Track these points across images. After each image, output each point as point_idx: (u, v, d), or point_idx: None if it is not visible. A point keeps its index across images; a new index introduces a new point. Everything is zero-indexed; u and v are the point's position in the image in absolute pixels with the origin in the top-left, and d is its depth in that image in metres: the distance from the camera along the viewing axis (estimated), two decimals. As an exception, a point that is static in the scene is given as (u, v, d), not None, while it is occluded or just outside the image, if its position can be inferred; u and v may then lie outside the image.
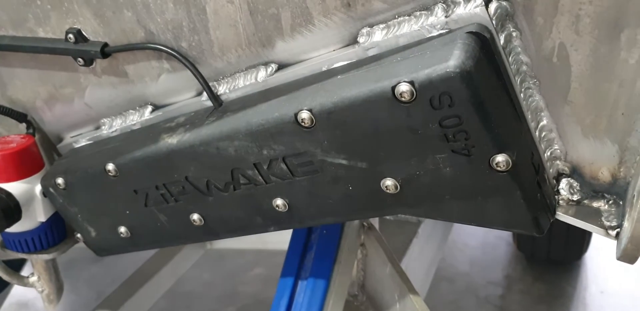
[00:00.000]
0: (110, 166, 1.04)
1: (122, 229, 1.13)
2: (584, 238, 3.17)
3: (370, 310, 1.34)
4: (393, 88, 0.73)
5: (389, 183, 0.82)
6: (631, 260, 0.75)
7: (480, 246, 3.84)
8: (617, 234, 0.79)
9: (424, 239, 1.79)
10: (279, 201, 0.93)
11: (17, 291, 2.86)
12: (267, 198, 0.94)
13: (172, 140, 0.96)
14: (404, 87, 0.72)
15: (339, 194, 0.88)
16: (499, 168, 0.74)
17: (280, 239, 1.70)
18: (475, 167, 0.76)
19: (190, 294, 3.32)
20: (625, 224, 0.76)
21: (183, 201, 1.02)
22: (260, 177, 0.92)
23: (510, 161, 0.74)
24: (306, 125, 0.82)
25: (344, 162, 0.84)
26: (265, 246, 3.38)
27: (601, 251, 3.56)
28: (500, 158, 0.74)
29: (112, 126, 1.14)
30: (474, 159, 0.75)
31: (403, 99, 0.73)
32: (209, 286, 3.42)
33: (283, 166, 0.88)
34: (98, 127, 1.19)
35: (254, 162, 0.90)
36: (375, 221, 1.35)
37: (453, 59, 0.70)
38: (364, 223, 1.31)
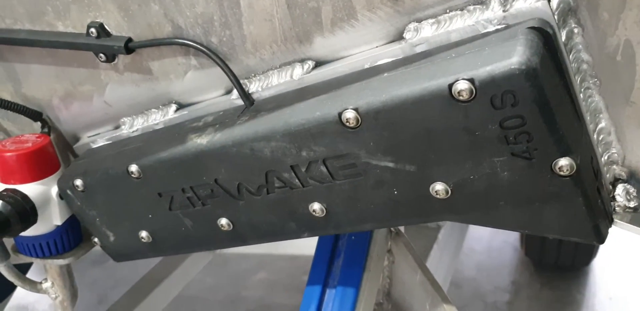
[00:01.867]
0: (134, 168, 0.98)
1: (144, 234, 1.08)
2: (592, 247, 3.13)
3: (396, 319, 1.29)
4: (450, 86, 0.68)
5: (439, 187, 0.77)
6: None
7: (486, 251, 3.80)
8: None
9: (443, 244, 1.74)
10: (316, 206, 0.88)
11: (18, 295, 2.79)
12: (304, 202, 0.89)
13: (201, 140, 0.91)
14: (462, 85, 0.67)
15: (382, 199, 0.83)
16: (562, 173, 0.70)
17: (287, 243, 1.65)
18: (536, 171, 0.71)
19: (194, 299, 3.27)
20: None
21: (211, 205, 0.97)
22: (297, 180, 0.86)
23: (574, 164, 0.69)
24: (351, 125, 0.77)
25: (390, 165, 0.79)
26: (271, 251, 3.33)
27: (610, 256, 3.52)
28: (563, 162, 0.69)
29: (133, 126, 1.09)
30: (535, 163, 0.70)
31: (461, 97, 0.68)
32: (213, 291, 3.36)
33: (323, 168, 0.83)
34: (117, 127, 1.14)
35: (291, 164, 0.85)
36: (400, 227, 1.30)
37: (517, 56, 0.65)
38: (392, 229, 1.26)
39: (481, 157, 0.73)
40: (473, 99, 0.68)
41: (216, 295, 3.34)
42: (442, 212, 0.81)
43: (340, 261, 1.15)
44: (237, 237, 1.00)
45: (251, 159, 0.87)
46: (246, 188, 0.91)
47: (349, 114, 0.76)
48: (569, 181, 0.70)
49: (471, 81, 0.67)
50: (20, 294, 2.91)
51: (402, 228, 1.28)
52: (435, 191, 0.78)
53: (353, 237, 1.17)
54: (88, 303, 3.31)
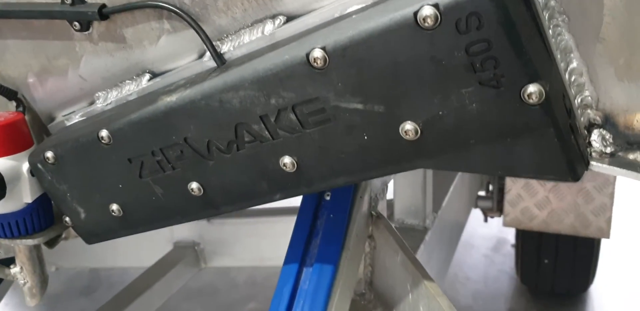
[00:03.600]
0: (104, 133, 0.97)
1: (114, 207, 1.05)
2: (589, 268, 3.09)
3: (379, 309, 1.25)
4: (415, 14, 0.68)
5: (408, 127, 0.75)
6: None
7: (482, 280, 3.74)
8: None
9: (431, 246, 1.71)
10: (286, 160, 0.86)
11: None
12: (274, 156, 0.87)
13: (171, 98, 0.89)
14: (427, 11, 0.67)
15: (353, 147, 0.81)
16: (531, 100, 0.68)
17: (277, 255, 1.62)
18: (504, 100, 0.69)
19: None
20: None
21: (181, 169, 0.95)
22: (266, 132, 0.85)
23: (543, 91, 0.67)
24: (319, 65, 0.76)
25: (359, 106, 0.77)
26: (262, 281, 3.27)
27: (608, 282, 3.46)
28: (532, 88, 0.68)
29: (107, 99, 1.07)
30: (503, 91, 0.69)
31: (426, 24, 0.68)
32: (204, 322, 3.29)
33: (292, 116, 0.81)
34: (92, 103, 1.12)
35: (260, 114, 0.83)
36: (383, 213, 1.27)
37: None
38: (373, 212, 1.23)
39: (449, 89, 0.71)
40: (438, 26, 0.67)
41: (206, 324, 3.27)
42: (414, 156, 0.79)
43: (318, 240, 1.12)
44: (208, 203, 0.97)
45: (220, 112, 0.86)
46: (216, 145, 0.89)
47: (317, 53, 0.75)
48: (539, 110, 0.69)
49: (435, 6, 0.67)
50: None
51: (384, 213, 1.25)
52: (405, 131, 0.76)
53: (331, 215, 1.14)
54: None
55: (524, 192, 2.85)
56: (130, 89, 1.05)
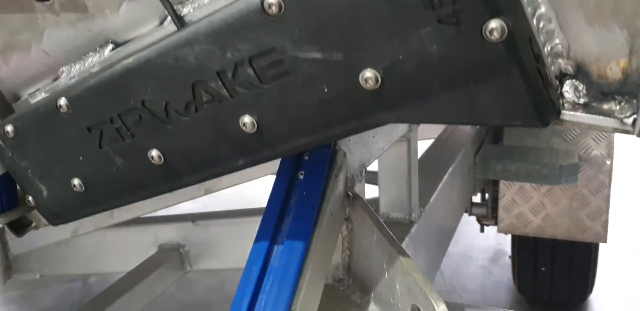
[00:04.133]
0: (62, 101, 0.94)
1: (76, 181, 1.01)
2: (588, 275, 3.02)
3: (357, 293, 1.20)
4: (369, -51, 0.65)
5: (368, 74, 0.72)
6: None
7: (479, 291, 3.67)
8: (634, 120, 0.69)
9: (418, 241, 1.66)
10: (246, 119, 0.82)
11: None
12: (233, 116, 0.83)
13: (127, 60, 0.86)
14: (380, -55, 0.64)
15: (313, 101, 0.78)
16: (492, 37, 0.65)
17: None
18: (465, 38, 0.66)
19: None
20: None
21: (140, 136, 0.91)
22: (224, 89, 0.81)
23: (505, 27, 0.64)
24: (274, 12, 0.73)
25: (317, 55, 0.74)
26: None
27: (608, 290, 3.39)
28: (494, 24, 0.64)
29: (71, 73, 1.04)
30: (464, 29, 0.65)
31: (381, -42, 0.64)
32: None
33: (250, 70, 0.78)
34: (56, 79, 1.09)
35: (217, 70, 0.80)
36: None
37: None
38: (349, 193, 1.19)
39: (407, 30, 0.68)
40: None
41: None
42: (376, 108, 0.75)
43: (290, 218, 1.07)
44: (170, 173, 0.93)
45: (176, 70, 0.82)
46: (174, 108, 0.86)
47: (271, -1, 0.72)
48: (502, 47, 0.65)
49: None
50: None
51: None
52: (365, 79, 0.72)
53: (304, 193, 1.10)
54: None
55: (518, 197, 2.80)
56: (93, 61, 1.01)
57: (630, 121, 0.69)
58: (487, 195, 3.15)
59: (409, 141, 1.62)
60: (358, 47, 0.71)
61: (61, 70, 1.06)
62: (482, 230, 3.52)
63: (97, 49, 1.02)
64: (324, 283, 1.17)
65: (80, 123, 0.95)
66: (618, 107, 0.73)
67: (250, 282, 1.02)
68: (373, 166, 1.68)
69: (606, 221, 2.68)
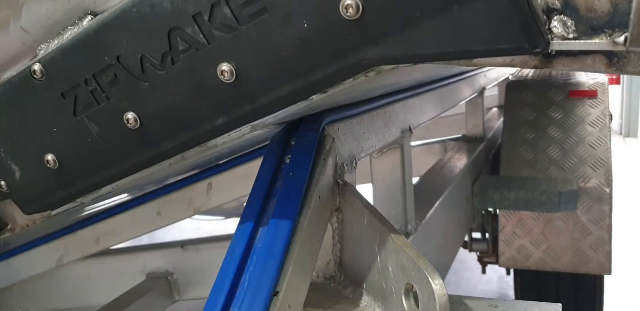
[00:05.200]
0: (36, 66, 0.91)
1: (49, 157, 0.97)
2: (594, 305, 2.92)
3: (350, 288, 1.13)
4: None
5: (349, 1, 0.69)
6: None
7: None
8: (626, 38, 0.65)
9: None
10: (224, 66, 0.79)
11: None
12: (211, 65, 0.79)
13: (103, 14, 0.84)
14: None
15: (293, 40, 0.74)
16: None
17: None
18: None
19: None
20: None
21: (115, 98, 0.87)
22: (201, 35, 0.78)
23: None
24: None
25: None
26: None
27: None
28: None
29: (48, 49, 1.01)
30: None
31: None
32: None
33: (227, 10, 0.75)
34: (34, 58, 1.06)
35: (193, 13, 0.77)
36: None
37: None
38: (339, 181, 1.14)
39: None
40: None
41: None
42: (358, 42, 0.72)
43: (276, 200, 1.02)
44: (147, 138, 0.89)
45: (152, 17, 0.79)
46: (150, 61, 0.82)
47: None
48: None
49: None
50: None
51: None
52: (346, 7, 0.69)
53: (291, 173, 1.05)
54: None
55: (518, 229, 2.74)
56: (72, 34, 0.99)
57: (621, 39, 0.66)
58: (487, 231, 3.09)
59: (402, 149, 1.58)
60: None
61: (39, 48, 1.03)
62: (483, 271, 3.43)
63: (76, 21, 0.99)
64: (313, 278, 1.11)
65: (54, 89, 0.91)
66: (608, 39, 0.70)
67: (232, 263, 0.96)
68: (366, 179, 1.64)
69: (609, 252, 2.61)
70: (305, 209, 1.01)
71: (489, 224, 2.96)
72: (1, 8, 1.01)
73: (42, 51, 1.02)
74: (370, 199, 1.67)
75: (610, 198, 2.60)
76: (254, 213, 1.01)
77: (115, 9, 0.82)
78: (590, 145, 2.70)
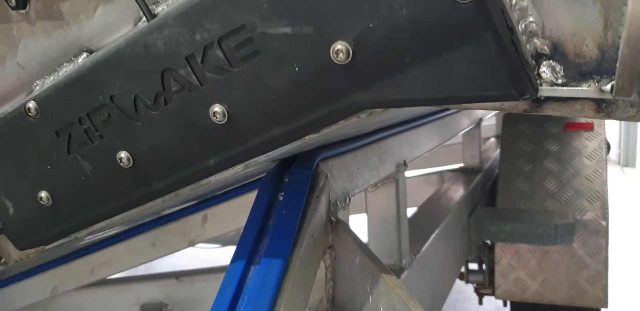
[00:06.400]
0: (31, 104, 0.91)
1: (43, 194, 0.97)
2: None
3: (342, 325, 1.12)
4: None
5: (339, 47, 0.70)
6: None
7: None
8: (612, 87, 0.66)
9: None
10: (216, 108, 0.79)
11: None
12: (203, 106, 0.80)
13: (97, 54, 0.85)
14: None
15: (284, 82, 0.75)
16: (463, -3, 0.63)
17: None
18: (435, 1, 0.64)
19: None
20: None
21: (108, 136, 0.88)
22: (194, 77, 0.79)
23: None
24: (242, -14, 0.71)
25: (287, 30, 0.72)
26: None
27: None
28: (462, -18, 0.63)
29: (44, 85, 1.02)
30: None
31: None
32: None
33: (219, 53, 0.76)
34: (30, 94, 1.07)
35: (186, 55, 0.78)
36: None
37: None
38: (332, 218, 1.14)
39: None
40: None
41: None
42: (348, 87, 0.72)
43: (268, 238, 1.02)
44: (139, 177, 0.89)
45: (145, 58, 0.80)
46: (143, 101, 0.83)
47: (239, -29, 0.71)
48: (472, 7, 0.64)
49: None
50: None
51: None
52: (336, 52, 0.70)
53: (284, 211, 1.05)
54: None
55: (515, 262, 2.73)
56: (67, 71, 1.00)
57: (608, 87, 0.67)
58: (484, 263, 3.07)
59: (397, 183, 1.58)
60: (328, 17, 0.69)
61: (35, 84, 1.04)
62: (480, 302, 3.40)
63: (72, 58, 1.00)
64: (306, 314, 1.10)
65: (48, 127, 0.92)
66: (597, 85, 0.71)
67: (224, 303, 0.95)
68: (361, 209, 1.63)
69: (606, 285, 2.60)
70: (297, 248, 1.01)
71: (486, 255, 2.94)
72: (-2, 44, 1.02)
73: (37, 87, 1.03)
74: (365, 232, 1.67)
75: (607, 231, 2.60)
76: (246, 251, 1.01)
77: (110, 49, 0.83)
78: (586, 178, 2.71)
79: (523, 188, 2.78)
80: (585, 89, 0.68)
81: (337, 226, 1.13)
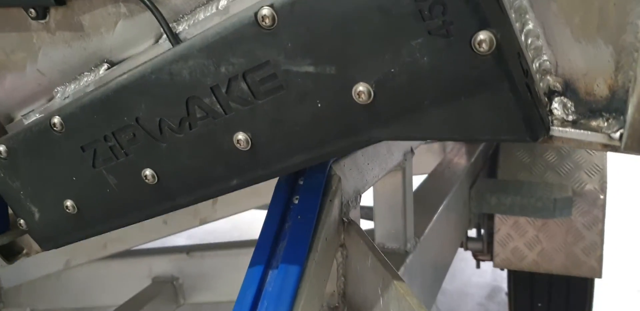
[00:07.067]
0: (56, 119, 0.94)
1: (69, 203, 1.01)
2: (585, 306, 2.98)
3: (352, 320, 1.18)
4: (361, -37, 0.66)
5: (361, 88, 0.72)
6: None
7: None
8: (621, 135, 0.69)
9: (413, 271, 1.64)
10: (240, 136, 0.82)
11: None
12: (227, 133, 0.83)
13: (122, 77, 0.87)
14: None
15: (307, 116, 0.78)
16: (481, 49, 0.65)
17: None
18: (455, 51, 0.67)
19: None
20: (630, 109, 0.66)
21: (134, 154, 0.91)
22: (218, 105, 0.81)
23: (493, 39, 0.65)
24: (267, 24, 0.73)
25: (310, 69, 0.74)
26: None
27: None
28: (482, 36, 0.65)
29: (65, 93, 1.05)
30: (453, 41, 0.66)
31: (373, -28, 0.66)
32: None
33: (244, 85, 0.79)
34: (51, 100, 1.09)
35: (211, 85, 0.80)
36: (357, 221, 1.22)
37: None
38: (344, 219, 1.18)
39: (399, 42, 0.68)
40: None
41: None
42: (368, 124, 0.75)
43: (285, 243, 1.06)
44: (164, 193, 0.93)
45: (170, 85, 0.83)
46: (168, 125, 0.86)
47: (265, 11, 0.73)
48: (491, 59, 0.66)
49: None
50: None
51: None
52: (358, 93, 0.73)
53: (299, 216, 1.09)
54: None
55: (513, 231, 2.79)
56: (88, 80, 1.02)
57: (617, 135, 0.70)
58: (482, 230, 3.14)
59: (404, 171, 1.62)
60: (351, 60, 0.72)
61: (56, 90, 1.07)
62: (478, 266, 3.49)
63: (92, 68, 1.02)
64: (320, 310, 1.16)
65: (73, 142, 0.95)
66: (606, 123, 0.74)
67: (244, 307, 1.00)
68: (368, 201, 1.67)
69: (601, 256, 2.67)
70: (312, 253, 1.05)
71: (485, 224, 3.01)
72: (18, 51, 1.05)
73: (58, 94, 1.05)
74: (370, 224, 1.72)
75: (604, 204, 2.65)
76: (264, 256, 1.05)
77: (134, 73, 0.85)
78: (586, 151, 2.74)
79: (524, 159, 2.81)
80: (595, 134, 0.71)
81: (349, 227, 1.17)
